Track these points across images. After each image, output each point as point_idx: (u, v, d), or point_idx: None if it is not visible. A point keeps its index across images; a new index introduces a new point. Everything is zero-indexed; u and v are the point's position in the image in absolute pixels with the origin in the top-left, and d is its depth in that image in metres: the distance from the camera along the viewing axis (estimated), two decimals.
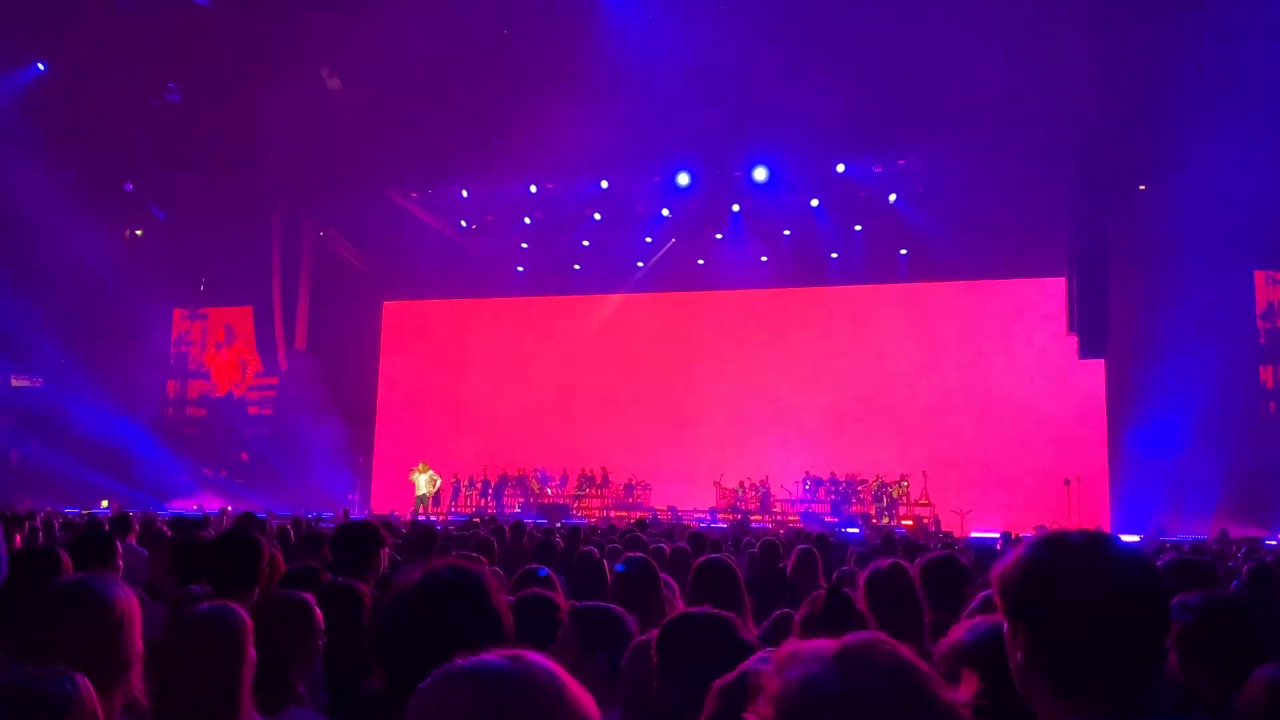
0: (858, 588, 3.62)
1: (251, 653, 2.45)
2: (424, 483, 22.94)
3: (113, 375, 24.61)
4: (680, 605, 4.32)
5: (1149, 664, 1.52)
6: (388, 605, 1.91)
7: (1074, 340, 19.49)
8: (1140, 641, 1.51)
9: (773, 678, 1.18)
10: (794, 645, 1.21)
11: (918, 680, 1.15)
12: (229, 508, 19.68)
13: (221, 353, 27.44)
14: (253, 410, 27.23)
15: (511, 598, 3.23)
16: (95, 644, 2.15)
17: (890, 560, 3.81)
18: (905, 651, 1.18)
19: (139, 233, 26.05)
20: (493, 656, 1.25)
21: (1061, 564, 1.53)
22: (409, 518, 20.07)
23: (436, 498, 23.51)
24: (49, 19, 18.61)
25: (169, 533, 7.86)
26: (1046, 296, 21.43)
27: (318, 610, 3.09)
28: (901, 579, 3.67)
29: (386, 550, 4.83)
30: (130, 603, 2.26)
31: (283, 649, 2.88)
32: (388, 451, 26.09)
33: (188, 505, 21.26)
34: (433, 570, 1.92)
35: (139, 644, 2.25)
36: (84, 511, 17.08)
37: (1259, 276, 20.49)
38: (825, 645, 1.18)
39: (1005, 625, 1.60)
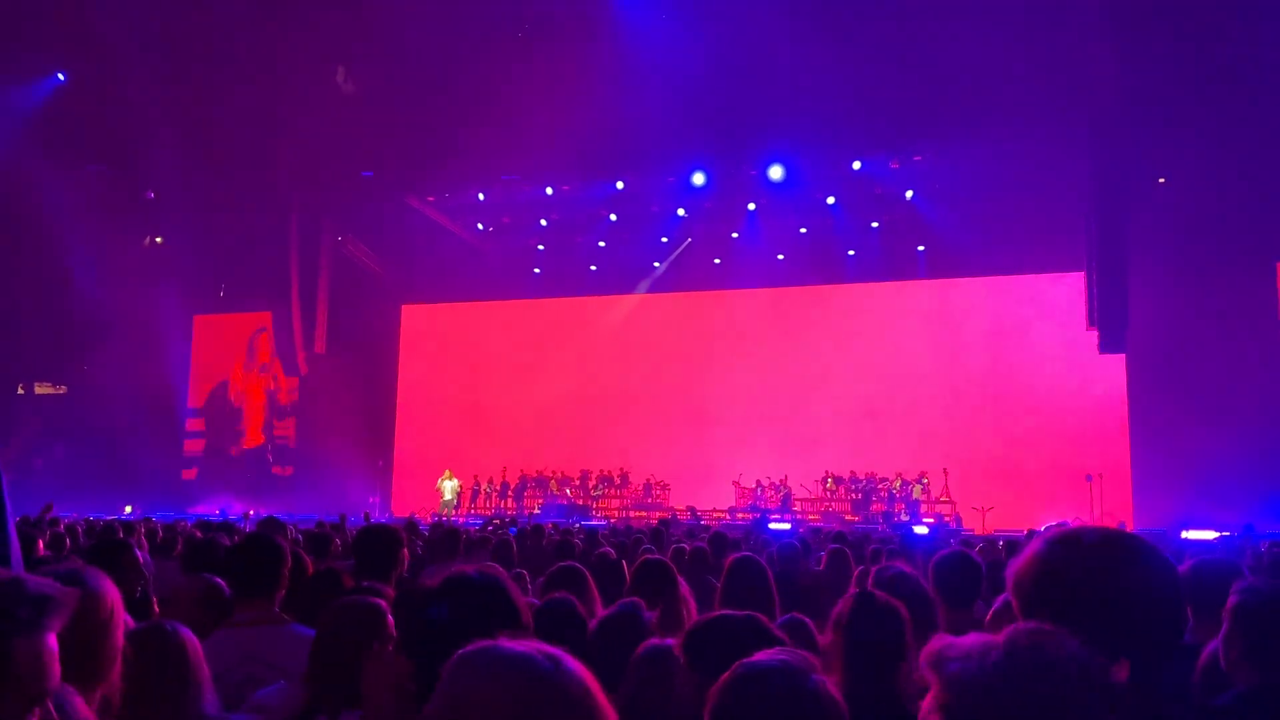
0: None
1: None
2: (449, 490, 23.00)
3: (134, 381, 24.83)
4: (694, 607, 4.33)
5: (1165, 658, 1.52)
6: (413, 606, 1.94)
7: (1094, 335, 19.35)
8: (1156, 637, 1.51)
9: (934, 671, 1.21)
10: (949, 640, 1.24)
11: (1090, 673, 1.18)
12: (251, 512, 19.81)
13: (250, 375, 27.62)
14: (280, 406, 27.42)
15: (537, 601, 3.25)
16: (82, 637, 2.15)
17: (897, 563, 3.80)
18: (1077, 646, 1.21)
19: (159, 239, 26.26)
20: (534, 653, 1.25)
21: (1075, 563, 1.53)
22: (430, 520, 20.15)
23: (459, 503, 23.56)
24: (68, 30, 18.78)
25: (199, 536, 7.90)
26: (1066, 291, 21.30)
27: (390, 616, 3.10)
28: (910, 579, 3.65)
29: (405, 551, 4.86)
30: (117, 598, 2.26)
31: (351, 655, 2.87)
32: (408, 454, 26.20)
33: (209, 510, 21.42)
34: (458, 572, 1.96)
35: (121, 641, 2.26)
36: (109, 518, 17.19)
37: None
38: (989, 639, 1.21)
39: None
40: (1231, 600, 2.53)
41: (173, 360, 26.63)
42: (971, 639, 1.23)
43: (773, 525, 17.09)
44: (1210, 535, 14.80)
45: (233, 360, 27.75)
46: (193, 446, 27.52)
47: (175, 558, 7.38)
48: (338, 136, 20.32)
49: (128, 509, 21.95)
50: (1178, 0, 15.82)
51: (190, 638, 2.62)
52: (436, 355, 26.51)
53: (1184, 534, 14.90)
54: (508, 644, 1.26)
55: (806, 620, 3.65)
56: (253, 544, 3.98)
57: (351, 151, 20.83)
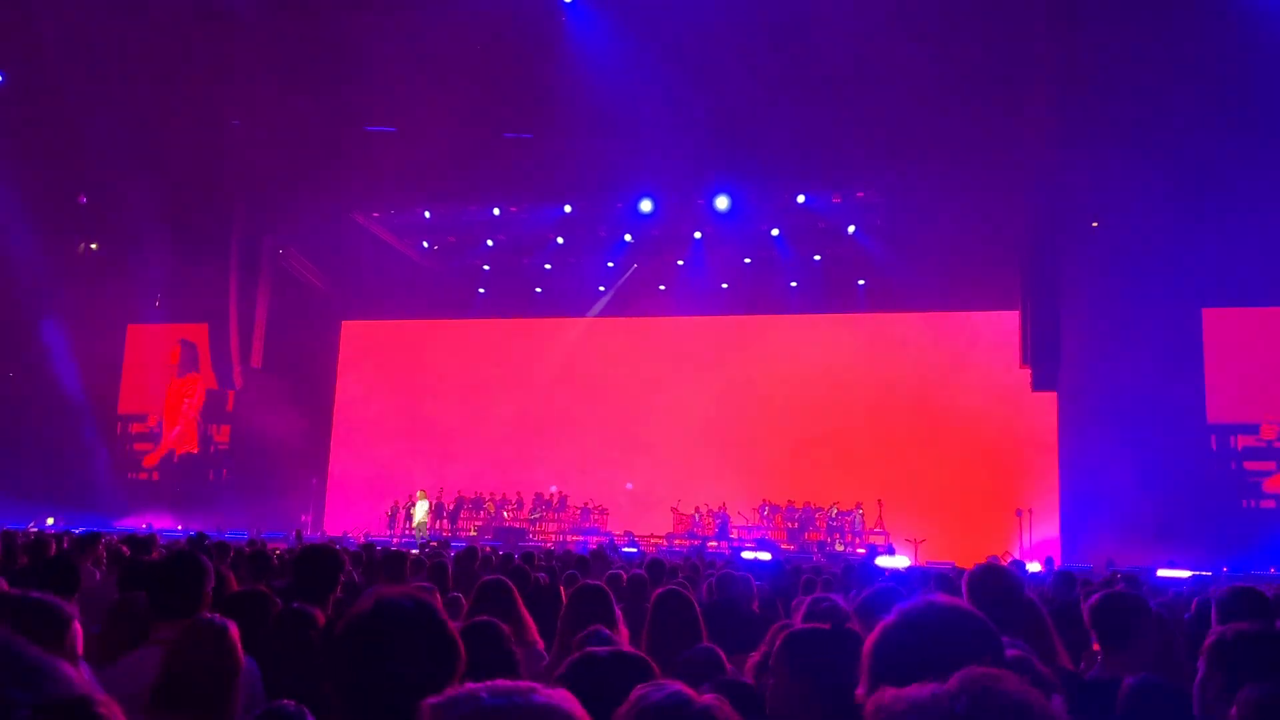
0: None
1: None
2: (421, 511, 22.58)
3: (64, 390, 24.19)
4: (625, 633, 4.33)
5: None
6: (340, 632, 1.92)
7: (1027, 373, 19.78)
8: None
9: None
10: (892, 693, 1.24)
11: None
12: (179, 526, 19.39)
13: (180, 386, 26.98)
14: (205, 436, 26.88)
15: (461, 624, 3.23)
16: None
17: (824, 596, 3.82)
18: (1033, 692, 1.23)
19: (94, 246, 25.68)
20: (509, 690, 1.23)
21: (891, 634, 1.59)
22: (362, 540, 19.86)
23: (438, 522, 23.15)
24: (9, 30, 18.36)
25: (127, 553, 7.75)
26: (1001, 329, 21.74)
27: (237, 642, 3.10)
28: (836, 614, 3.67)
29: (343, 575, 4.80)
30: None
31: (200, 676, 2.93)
32: (342, 472, 25.83)
33: (137, 524, 20.89)
34: (385, 598, 1.93)
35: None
36: (33, 529, 16.70)
37: (1206, 314, 20.90)
38: (937, 687, 1.22)
39: None
40: (1210, 639, 2.54)
41: (103, 369, 25.97)
42: (915, 690, 1.25)
43: (747, 554, 17.15)
44: (1184, 574, 15.08)
45: (163, 371, 27.14)
46: (119, 458, 26.84)
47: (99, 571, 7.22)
48: (283, 148, 20.09)
49: (50, 520, 21.33)
50: (1112, 49, 16.29)
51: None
52: (376, 373, 26.21)
53: (1159, 573, 15.24)
54: (484, 695, 1.22)
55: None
56: (177, 561, 3.90)
57: (296, 164, 20.58)
